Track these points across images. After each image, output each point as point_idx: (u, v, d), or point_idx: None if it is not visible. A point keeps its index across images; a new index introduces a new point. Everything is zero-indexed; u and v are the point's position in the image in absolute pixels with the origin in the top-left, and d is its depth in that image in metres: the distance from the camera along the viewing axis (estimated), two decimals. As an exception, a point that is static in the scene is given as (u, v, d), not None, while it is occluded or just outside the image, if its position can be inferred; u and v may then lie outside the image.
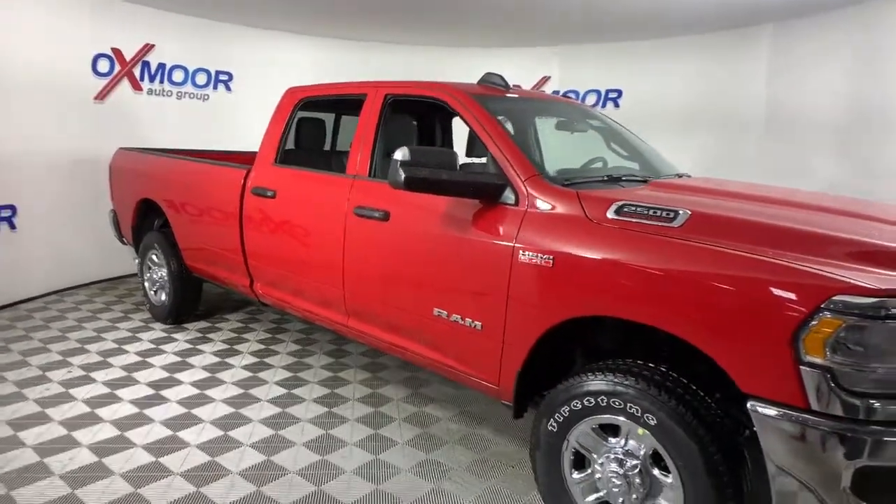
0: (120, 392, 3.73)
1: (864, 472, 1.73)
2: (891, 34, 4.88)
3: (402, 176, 2.41)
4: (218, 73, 7.30)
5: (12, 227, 5.40)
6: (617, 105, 7.78)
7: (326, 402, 3.69)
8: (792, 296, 1.79)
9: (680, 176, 3.44)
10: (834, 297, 1.72)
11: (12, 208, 5.38)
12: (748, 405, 1.87)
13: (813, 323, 1.73)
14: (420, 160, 2.45)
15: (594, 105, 7.90)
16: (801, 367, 1.76)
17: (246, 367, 4.20)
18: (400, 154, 2.44)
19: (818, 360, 1.74)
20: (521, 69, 8.17)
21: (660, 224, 2.15)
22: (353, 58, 7.79)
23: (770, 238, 1.99)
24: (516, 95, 3.38)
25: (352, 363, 4.34)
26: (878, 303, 1.69)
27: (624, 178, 2.87)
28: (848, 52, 5.37)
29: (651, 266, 2.09)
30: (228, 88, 7.42)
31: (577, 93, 8.02)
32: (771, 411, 1.82)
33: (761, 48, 6.33)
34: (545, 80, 8.23)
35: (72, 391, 3.71)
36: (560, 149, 3.91)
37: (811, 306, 1.74)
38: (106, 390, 3.75)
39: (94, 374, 3.97)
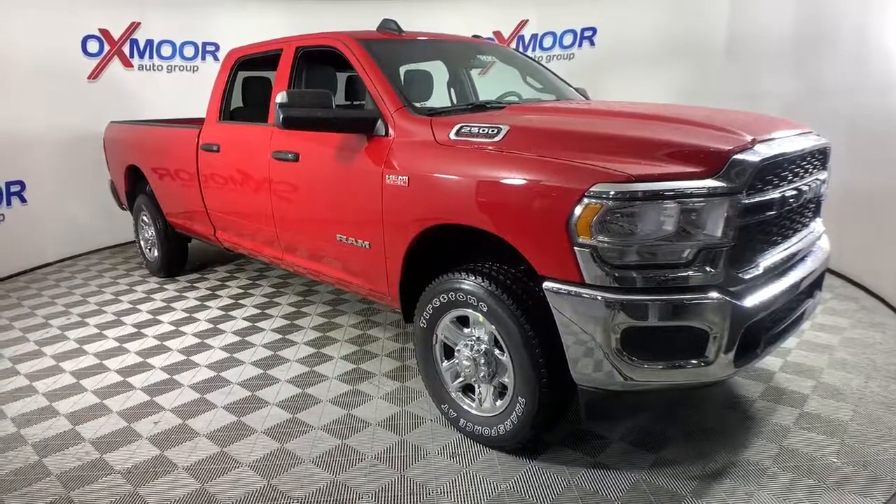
0: (107, 332, 4.28)
1: (628, 330, 2.05)
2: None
3: (281, 116, 2.77)
4: (205, 44, 7.70)
5: (23, 200, 6.00)
6: (592, 43, 7.82)
7: (283, 331, 4.16)
8: (564, 189, 2.09)
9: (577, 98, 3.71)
10: (593, 187, 2.01)
11: (21, 184, 5.97)
12: (543, 285, 2.20)
13: (579, 208, 2.03)
14: (297, 101, 2.80)
15: (570, 46, 8.00)
16: (574, 248, 2.07)
17: (221, 308, 4.70)
18: (280, 97, 2.80)
19: (586, 241, 2.04)
20: (500, 14, 8.30)
21: (484, 140, 2.45)
22: (334, 19, 7.98)
23: (564, 143, 2.28)
24: (411, 39, 3.65)
25: (316, 300, 4.80)
26: (628, 187, 1.98)
27: (489, 105, 3.15)
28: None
29: (475, 175, 2.41)
30: (216, 58, 7.78)
31: (554, 34, 8.10)
32: (556, 287, 2.15)
33: (723, -27, 6.31)
34: (524, 23, 8.32)
35: (67, 333, 4.29)
36: (479, 85, 4.21)
37: (577, 195, 2.04)
38: (95, 331, 4.31)
39: (88, 320, 4.55)
